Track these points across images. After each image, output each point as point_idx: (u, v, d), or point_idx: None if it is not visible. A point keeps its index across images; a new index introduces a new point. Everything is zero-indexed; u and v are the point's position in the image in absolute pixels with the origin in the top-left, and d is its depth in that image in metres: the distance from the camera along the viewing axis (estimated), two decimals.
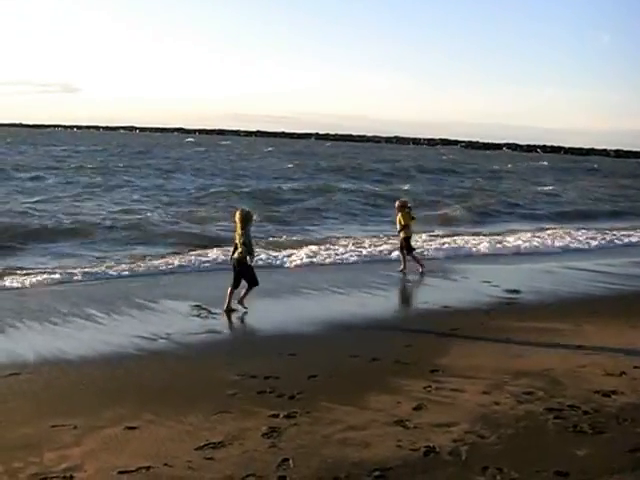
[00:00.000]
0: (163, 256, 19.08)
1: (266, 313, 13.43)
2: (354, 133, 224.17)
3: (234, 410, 8.17)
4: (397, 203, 19.03)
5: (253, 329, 12.27)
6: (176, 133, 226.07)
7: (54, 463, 6.80)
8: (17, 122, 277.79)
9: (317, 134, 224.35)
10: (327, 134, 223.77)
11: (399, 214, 18.53)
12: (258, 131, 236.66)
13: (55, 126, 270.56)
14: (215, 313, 13.14)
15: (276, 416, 7.98)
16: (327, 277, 16.95)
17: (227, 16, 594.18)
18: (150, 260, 18.35)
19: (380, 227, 27.25)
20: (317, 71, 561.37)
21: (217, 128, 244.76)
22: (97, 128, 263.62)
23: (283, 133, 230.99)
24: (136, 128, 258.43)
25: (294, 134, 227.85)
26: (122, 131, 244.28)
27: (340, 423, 7.84)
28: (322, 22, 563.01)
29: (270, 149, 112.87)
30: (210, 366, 10.00)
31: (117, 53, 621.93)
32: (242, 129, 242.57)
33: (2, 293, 14.59)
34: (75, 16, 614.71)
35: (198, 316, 12.84)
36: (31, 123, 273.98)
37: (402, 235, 18.37)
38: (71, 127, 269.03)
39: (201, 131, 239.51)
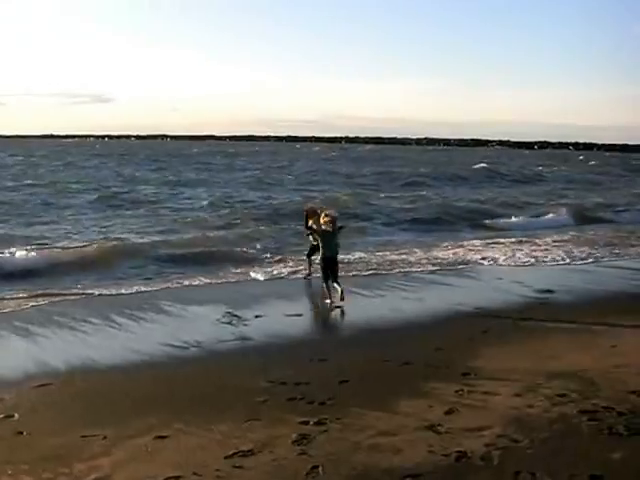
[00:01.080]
0: None
1: (296, 319, 13.38)
2: (384, 135, 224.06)
3: (264, 417, 8.14)
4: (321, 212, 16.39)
5: (283, 335, 12.19)
6: (208, 141, 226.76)
7: (84, 474, 6.81)
8: (48, 133, 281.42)
9: (347, 137, 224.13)
10: (357, 137, 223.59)
11: (311, 221, 16.72)
12: (288, 136, 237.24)
13: (87, 136, 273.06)
14: (246, 319, 13.12)
15: (306, 423, 7.92)
16: (356, 281, 16.86)
17: (246, 26, 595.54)
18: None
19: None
20: (343, 75, 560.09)
21: (247, 134, 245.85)
22: (128, 137, 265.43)
23: (313, 137, 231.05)
24: (167, 136, 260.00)
25: (323, 138, 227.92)
26: (153, 140, 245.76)
27: (370, 429, 7.78)
28: (341, 25, 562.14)
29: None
30: (240, 373, 9.97)
31: (146, 62, 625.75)
32: (271, 134, 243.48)
33: (33, 301, 14.68)
34: (104, 26, 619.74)
35: (229, 323, 12.82)
36: (63, 134, 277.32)
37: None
38: (102, 137, 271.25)
39: (232, 137, 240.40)
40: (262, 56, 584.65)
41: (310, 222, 16.70)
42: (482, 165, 73.81)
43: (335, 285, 14.54)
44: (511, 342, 11.51)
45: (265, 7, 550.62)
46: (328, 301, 14.44)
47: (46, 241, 23.09)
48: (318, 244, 15.36)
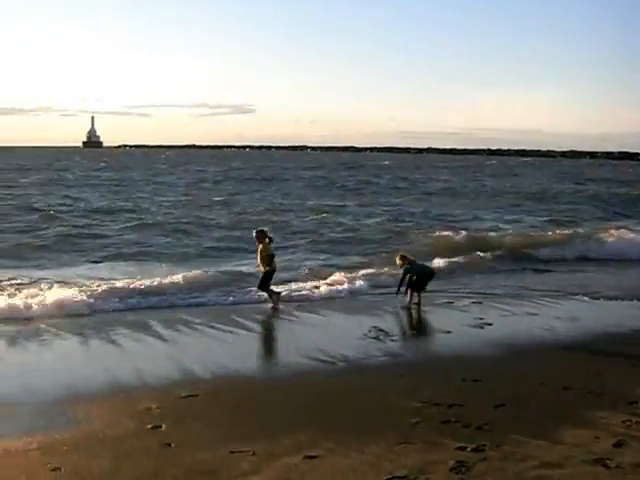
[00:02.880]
0: None
1: (445, 336, 12.90)
2: (527, 148, 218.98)
3: (417, 441, 7.72)
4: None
5: (433, 353, 11.79)
6: (348, 152, 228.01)
7: None
8: (190, 143, 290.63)
9: (489, 150, 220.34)
10: (499, 149, 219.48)
11: (260, 245, 15.67)
12: (429, 148, 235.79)
13: (228, 147, 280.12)
14: (393, 335, 12.75)
15: (463, 449, 7.47)
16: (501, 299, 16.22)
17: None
18: None
19: None
20: (482, 84, 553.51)
21: (386, 146, 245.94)
22: (269, 148, 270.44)
23: (454, 150, 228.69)
24: (308, 147, 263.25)
25: (465, 150, 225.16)
26: (293, 151, 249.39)
27: (533, 459, 7.26)
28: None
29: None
30: (390, 392, 9.58)
31: (287, 74, 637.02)
32: (412, 146, 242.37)
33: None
34: (246, 40, 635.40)
35: (376, 338, 12.48)
36: (204, 144, 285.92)
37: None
38: (243, 147, 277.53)
39: (372, 149, 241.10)
40: (401, 66, 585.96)
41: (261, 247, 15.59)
42: None
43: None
44: None
45: (406, 20, 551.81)
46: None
47: None
48: None
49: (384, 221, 32.68)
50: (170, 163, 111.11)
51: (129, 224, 30.02)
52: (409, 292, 15.22)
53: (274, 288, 15.65)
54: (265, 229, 16.28)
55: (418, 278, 15.27)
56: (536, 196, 50.12)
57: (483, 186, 62.58)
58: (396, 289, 15.38)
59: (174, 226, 29.42)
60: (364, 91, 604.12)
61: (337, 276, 17.95)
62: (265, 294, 15.55)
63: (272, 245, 15.87)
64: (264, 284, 15.49)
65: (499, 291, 17.13)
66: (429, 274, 15.69)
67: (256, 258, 15.84)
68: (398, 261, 15.76)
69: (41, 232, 27.10)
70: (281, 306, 15.14)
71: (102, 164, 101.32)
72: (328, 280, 17.66)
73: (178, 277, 16.88)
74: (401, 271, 15.53)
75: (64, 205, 37.82)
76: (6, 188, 48.21)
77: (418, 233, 26.94)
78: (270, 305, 15.27)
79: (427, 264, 16.93)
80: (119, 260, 21.46)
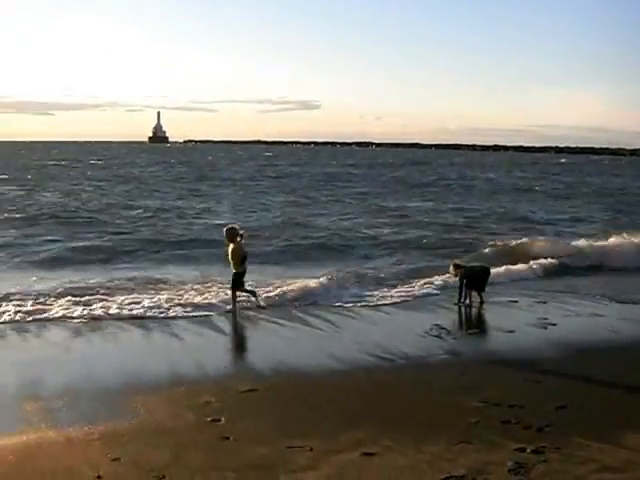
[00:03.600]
0: None
1: (508, 335, 12.73)
2: (596, 146, 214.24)
3: (476, 441, 7.64)
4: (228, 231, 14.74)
5: (495, 352, 11.64)
6: (413, 149, 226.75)
7: None
8: (255, 139, 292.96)
9: (557, 147, 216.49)
10: (566, 147, 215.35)
11: (231, 245, 14.57)
12: (495, 145, 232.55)
13: (293, 143, 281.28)
14: (455, 334, 12.66)
15: (522, 450, 7.37)
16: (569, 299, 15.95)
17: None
18: None
19: None
20: (547, 82, 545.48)
21: (453, 143, 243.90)
22: (334, 144, 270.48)
23: (521, 147, 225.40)
24: (373, 144, 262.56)
25: (532, 148, 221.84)
26: (358, 147, 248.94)
27: (594, 462, 7.13)
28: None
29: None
30: (451, 390, 9.51)
31: (353, 70, 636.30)
32: (478, 143, 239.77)
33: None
34: (311, 36, 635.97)
35: (437, 336, 12.39)
36: (269, 140, 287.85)
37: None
38: (308, 143, 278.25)
39: (437, 146, 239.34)
40: (466, 63, 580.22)
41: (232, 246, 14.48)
42: None
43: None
44: None
45: (473, 18, 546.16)
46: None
47: None
48: None
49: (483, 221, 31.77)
50: (293, 161, 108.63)
51: None
52: (466, 292, 15.08)
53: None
54: (236, 226, 15.03)
55: (470, 279, 15.13)
56: None
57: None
58: (457, 300, 15.12)
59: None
60: (429, 87, 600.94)
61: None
62: (244, 294, 14.58)
63: (243, 242, 14.74)
64: (237, 284, 14.36)
65: (565, 291, 16.82)
66: (480, 272, 15.43)
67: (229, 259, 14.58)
68: (452, 271, 15.57)
69: None
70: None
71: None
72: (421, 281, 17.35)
73: None
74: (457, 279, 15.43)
75: None
76: None
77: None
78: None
79: (478, 264, 16.48)
80: None
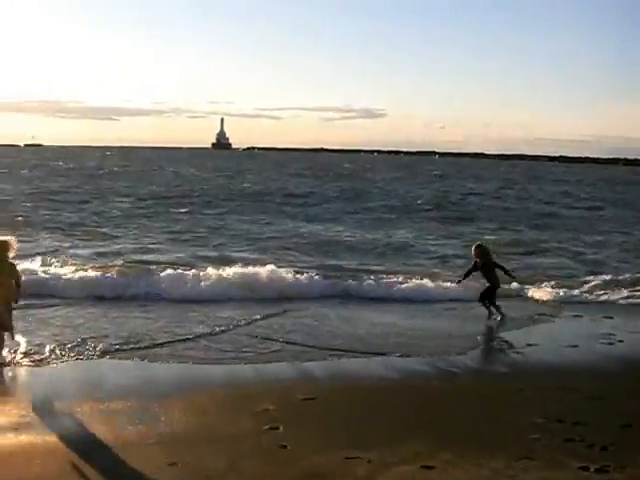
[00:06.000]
0: None
1: (571, 350, 12.47)
2: None
3: (538, 457, 7.46)
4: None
5: (558, 367, 11.39)
6: (474, 159, 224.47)
7: None
8: (319, 147, 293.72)
9: (625, 159, 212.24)
10: (636, 159, 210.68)
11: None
12: (561, 156, 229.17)
13: (357, 151, 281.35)
14: (518, 347, 12.48)
15: (586, 469, 7.16)
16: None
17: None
18: None
19: None
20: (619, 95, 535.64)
21: (516, 153, 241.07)
22: (397, 153, 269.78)
23: (588, 158, 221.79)
24: (436, 153, 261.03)
25: (599, 159, 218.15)
26: (421, 156, 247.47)
27: None
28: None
29: None
30: (513, 405, 9.34)
31: (416, 80, 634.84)
32: (543, 154, 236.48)
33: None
34: (373, 44, 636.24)
35: (500, 350, 12.22)
36: (333, 148, 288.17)
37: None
38: (372, 152, 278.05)
39: (499, 156, 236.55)
40: (532, 73, 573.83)
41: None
42: None
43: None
44: None
45: (535, 26, 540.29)
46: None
47: None
48: None
49: None
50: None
51: None
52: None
53: None
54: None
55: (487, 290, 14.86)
56: None
57: None
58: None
59: None
60: (494, 97, 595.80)
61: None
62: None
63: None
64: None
65: (633, 305, 16.47)
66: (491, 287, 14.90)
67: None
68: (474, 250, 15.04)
69: None
70: None
71: None
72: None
73: None
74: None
75: None
76: None
77: None
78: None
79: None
80: None
